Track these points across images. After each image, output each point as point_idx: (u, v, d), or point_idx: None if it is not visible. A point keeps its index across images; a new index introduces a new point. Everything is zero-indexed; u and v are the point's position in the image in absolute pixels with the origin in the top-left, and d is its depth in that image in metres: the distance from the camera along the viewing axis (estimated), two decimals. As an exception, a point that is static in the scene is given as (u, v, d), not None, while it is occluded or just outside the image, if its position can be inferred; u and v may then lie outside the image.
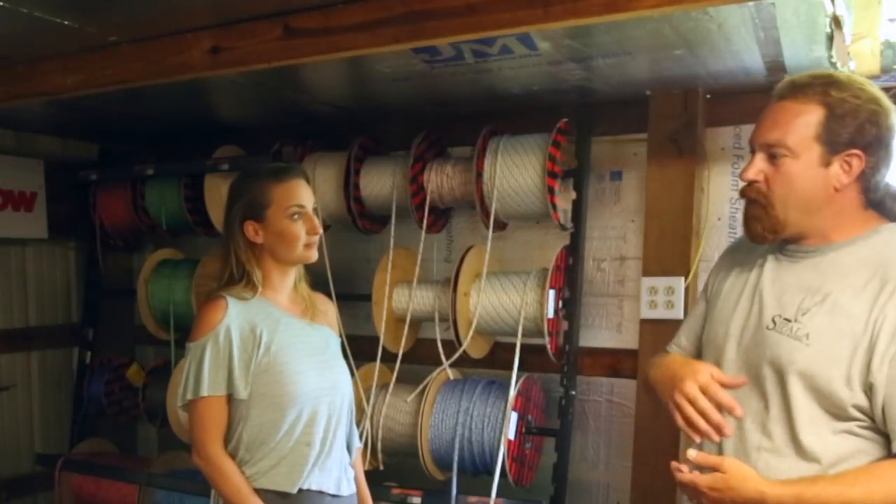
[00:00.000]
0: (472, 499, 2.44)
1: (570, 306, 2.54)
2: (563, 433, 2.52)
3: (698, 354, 1.67)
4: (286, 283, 1.93)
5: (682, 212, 2.41)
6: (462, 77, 2.25)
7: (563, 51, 2.00)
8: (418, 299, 2.68)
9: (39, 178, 3.28)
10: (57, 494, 3.17)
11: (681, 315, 2.40)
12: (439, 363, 2.62)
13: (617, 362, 2.64)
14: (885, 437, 1.33)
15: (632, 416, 2.55)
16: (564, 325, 2.54)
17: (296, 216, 1.84)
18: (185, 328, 3.02)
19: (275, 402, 1.80)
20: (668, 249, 2.44)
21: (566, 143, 2.51)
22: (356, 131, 2.81)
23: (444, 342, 2.62)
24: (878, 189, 1.41)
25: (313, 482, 1.85)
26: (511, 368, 2.47)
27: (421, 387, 2.62)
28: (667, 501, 2.40)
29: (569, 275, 2.54)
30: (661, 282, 2.43)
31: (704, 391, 1.39)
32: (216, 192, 2.90)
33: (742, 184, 1.46)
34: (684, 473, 1.38)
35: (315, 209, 1.90)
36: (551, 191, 2.44)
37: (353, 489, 2.00)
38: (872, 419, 1.33)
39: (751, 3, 1.61)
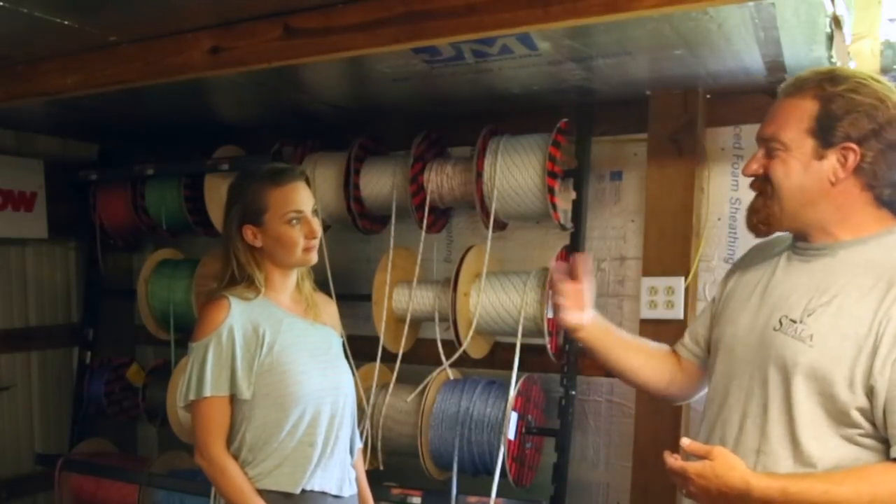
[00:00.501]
0: (472, 499, 2.44)
1: (570, 306, 2.54)
2: (563, 433, 2.52)
3: (704, 354, 1.67)
4: (288, 283, 1.92)
5: (682, 212, 2.41)
6: (462, 77, 2.25)
7: (563, 51, 2.00)
8: (418, 299, 2.68)
9: (39, 178, 3.27)
10: (57, 494, 3.17)
11: (681, 315, 2.41)
12: (439, 363, 2.62)
13: (617, 362, 2.64)
14: (887, 445, 1.31)
15: (632, 416, 2.55)
16: (564, 325, 2.54)
17: (293, 221, 1.83)
18: (185, 328, 3.04)
19: (278, 403, 1.80)
20: (668, 249, 2.44)
21: (566, 143, 2.51)
22: (356, 131, 2.81)
23: (444, 342, 2.62)
24: (888, 185, 1.38)
25: (316, 483, 1.85)
26: (511, 368, 2.47)
27: (421, 387, 2.62)
28: (667, 501, 2.41)
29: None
30: (661, 282, 2.43)
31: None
32: (216, 192, 2.89)
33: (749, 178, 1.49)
34: (675, 460, 1.39)
35: (315, 210, 1.89)
36: (551, 191, 2.44)
37: (355, 490, 2.00)
38: (875, 425, 1.32)
39: (751, 3, 1.61)
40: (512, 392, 2.46)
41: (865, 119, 1.34)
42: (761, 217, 1.45)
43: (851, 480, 1.29)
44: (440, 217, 2.83)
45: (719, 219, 2.50)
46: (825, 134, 1.36)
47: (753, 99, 2.32)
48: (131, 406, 3.40)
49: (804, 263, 1.45)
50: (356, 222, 2.80)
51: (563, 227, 2.56)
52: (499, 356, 2.69)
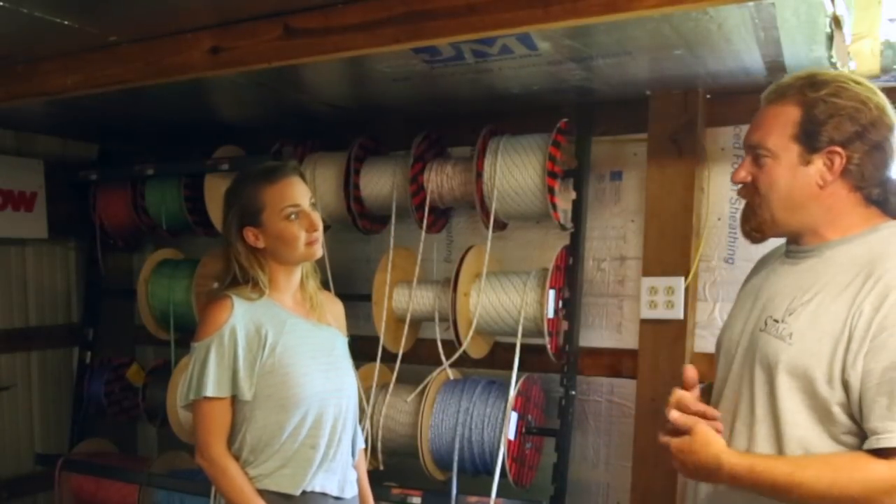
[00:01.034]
0: (472, 499, 2.44)
1: (570, 306, 2.54)
2: (563, 433, 2.52)
3: None
4: (291, 283, 1.92)
5: (682, 212, 2.41)
6: (462, 77, 2.25)
7: (563, 51, 2.00)
8: (418, 299, 2.68)
9: (39, 178, 3.27)
10: (57, 494, 3.17)
11: (681, 315, 2.41)
12: (439, 363, 2.62)
13: (617, 362, 2.65)
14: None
15: (632, 416, 2.55)
16: (564, 325, 2.54)
17: (292, 216, 1.82)
18: (185, 328, 3.04)
19: (280, 404, 1.80)
20: (668, 249, 2.44)
21: (566, 143, 2.51)
22: (356, 131, 2.81)
23: (444, 342, 2.62)
24: (876, 185, 1.40)
25: (317, 484, 1.84)
26: (511, 368, 2.47)
27: (421, 387, 2.62)
28: (667, 501, 2.41)
29: (569, 275, 2.54)
30: (661, 282, 2.43)
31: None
32: (216, 192, 2.89)
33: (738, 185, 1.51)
34: (662, 436, 1.44)
35: (313, 203, 1.88)
36: (551, 191, 2.44)
37: (356, 491, 1.99)
38: (855, 421, 1.32)
39: (751, 3, 1.61)
40: (512, 392, 2.46)
41: (848, 122, 1.36)
42: (753, 224, 1.48)
43: (816, 465, 1.31)
44: (440, 217, 2.83)
45: (719, 219, 2.50)
46: (810, 139, 1.38)
47: (753, 99, 2.27)
48: (131, 406, 3.40)
49: (793, 265, 1.47)
50: (356, 222, 2.80)
51: (563, 227, 2.56)
52: (499, 356, 2.69)
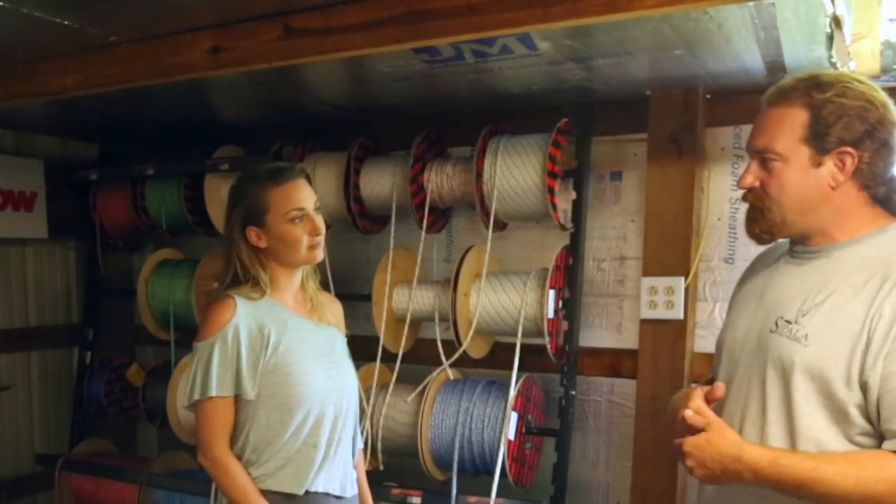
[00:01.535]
0: (472, 499, 2.44)
1: (570, 306, 2.54)
2: (563, 433, 2.52)
3: None
4: (293, 283, 1.92)
5: (682, 212, 2.41)
6: (462, 77, 2.25)
7: (563, 51, 1.99)
8: (418, 299, 2.68)
9: (39, 178, 3.27)
10: (57, 494, 3.17)
11: (681, 315, 2.41)
12: (439, 363, 2.62)
13: (617, 362, 2.64)
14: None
15: (632, 416, 2.54)
16: (564, 325, 2.54)
17: (296, 219, 1.83)
18: (185, 328, 3.04)
19: (283, 403, 1.80)
20: (668, 249, 2.44)
21: (566, 143, 2.51)
22: (356, 131, 2.81)
23: (444, 342, 2.62)
24: (882, 183, 1.40)
25: (319, 484, 1.85)
26: (511, 368, 2.47)
27: (421, 387, 2.62)
28: (667, 501, 2.41)
29: (569, 275, 2.54)
30: (661, 282, 2.43)
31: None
32: (216, 192, 2.90)
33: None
34: (678, 440, 1.41)
35: (317, 207, 1.88)
36: (551, 191, 2.44)
37: (356, 490, 2.00)
38: (871, 422, 1.32)
39: (751, 3, 1.61)
40: (512, 392, 2.46)
41: (857, 121, 1.36)
42: (763, 227, 1.47)
43: (840, 461, 1.30)
44: (440, 217, 2.83)
45: (719, 219, 2.50)
46: (820, 141, 1.38)
47: (753, 99, 2.27)
48: (131, 406, 3.40)
49: (799, 266, 1.46)
50: (356, 222, 2.80)
51: (563, 227, 2.56)
52: (499, 356, 2.69)
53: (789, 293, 1.43)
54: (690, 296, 2.44)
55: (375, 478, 2.44)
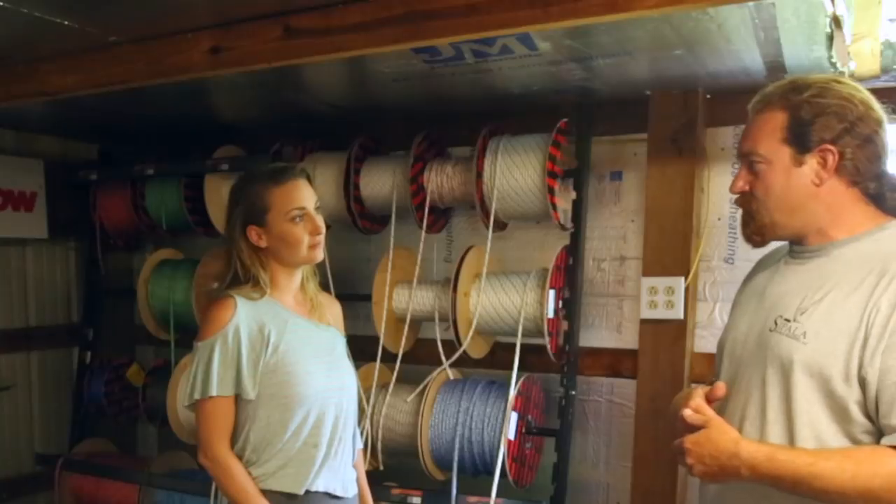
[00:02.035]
0: (472, 499, 2.44)
1: (570, 306, 2.54)
2: (563, 433, 2.52)
3: None
4: (292, 283, 1.92)
5: (682, 212, 2.41)
6: (462, 77, 2.25)
7: (563, 51, 2.00)
8: (418, 299, 2.68)
9: (39, 178, 3.27)
10: (57, 494, 3.17)
11: (681, 315, 2.41)
12: (439, 363, 2.62)
13: (617, 362, 2.65)
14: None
15: (632, 416, 2.54)
16: (564, 325, 2.54)
17: (297, 219, 1.83)
18: (185, 328, 3.04)
19: (283, 403, 1.80)
20: (668, 249, 2.44)
21: (566, 143, 2.51)
22: (356, 131, 2.81)
23: (444, 342, 2.62)
24: (871, 178, 1.41)
25: (320, 483, 1.85)
26: (511, 368, 2.47)
27: (421, 387, 2.62)
28: (667, 501, 2.41)
29: (569, 275, 2.54)
30: (661, 282, 2.43)
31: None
32: (216, 193, 2.90)
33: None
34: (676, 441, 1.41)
35: (317, 207, 1.89)
36: (551, 191, 2.44)
37: (356, 490, 2.00)
38: (871, 419, 1.32)
39: (751, 3, 1.61)
40: (512, 392, 2.46)
41: (835, 119, 1.38)
42: (754, 229, 1.50)
43: (838, 457, 1.31)
44: (440, 217, 2.83)
45: (719, 219, 2.50)
46: (800, 140, 1.41)
47: (753, 99, 2.32)
48: (131, 406, 3.39)
49: (799, 265, 1.47)
50: (356, 222, 2.80)
51: (563, 227, 2.56)
52: (499, 356, 2.69)
53: (789, 292, 1.44)
54: (690, 296, 2.44)
55: (375, 478, 2.44)
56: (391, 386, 2.67)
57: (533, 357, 2.53)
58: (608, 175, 2.67)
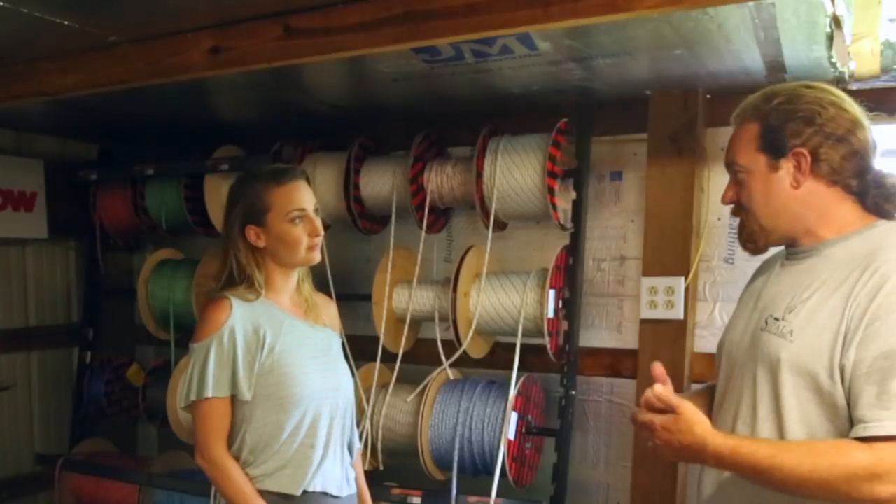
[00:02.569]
0: (472, 499, 2.44)
1: (570, 306, 2.54)
2: (563, 433, 2.52)
3: None
4: (289, 284, 1.92)
5: (682, 212, 2.41)
6: (462, 77, 2.25)
7: (563, 51, 2.00)
8: (418, 299, 2.68)
9: (39, 178, 3.27)
10: (57, 494, 3.17)
11: (681, 315, 2.41)
12: (439, 363, 2.62)
13: (617, 362, 2.65)
14: None
15: (632, 416, 2.54)
16: (564, 325, 2.54)
17: (296, 220, 1.83)
18: (185, 328, 3.04)
19: (279, 404, 1.80)
20: (668, 249, 2.44)
21: (566, 143, 2.51)
22: (356, 131, 2.81)
23: (444, 342, 2.62)
24: (851, 176, 1.43)
25: (317, 484, 1.85)
26: (511, 368, 2.47)
27: (421, 387, 2.62)
28: (667, 501, 2.41)
29: (569, 275, 2.54)
30: (661, 282, 2.43)
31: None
32: (216, 193, 2.90)
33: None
34: (644, 413, 1.42)
35: (316, 209, 1.89)
36: (551, 191, 2.44)
37: (353, 489, 2.00)
38: None
39: (751, 3, 1.61)
40: (512, 392, 2.46)
41: (803, 123, 1.42)
42: (746, 237, 1.54)
43: (799, 450, 1.32)
44: (440, 217, 2.83)
45: (719, 219, 2.50)
46: (773, 147, 1.45)
47: (753, 99, 2.32)
48: (131, 406, 3.40)
49: (793, 266, 1.50)
50: (356, 222, 2.80)
51: (563, 227, 2.56)
52: (499, 356, 2.69)
53: (780, 292, 1.47)
54: (690, 296, 2.44)
55: (375, 478, 2.44)
56: (391, 386, 2.67)
57: (533, 357, 2.53)
58: (608, 175, 2.67)
